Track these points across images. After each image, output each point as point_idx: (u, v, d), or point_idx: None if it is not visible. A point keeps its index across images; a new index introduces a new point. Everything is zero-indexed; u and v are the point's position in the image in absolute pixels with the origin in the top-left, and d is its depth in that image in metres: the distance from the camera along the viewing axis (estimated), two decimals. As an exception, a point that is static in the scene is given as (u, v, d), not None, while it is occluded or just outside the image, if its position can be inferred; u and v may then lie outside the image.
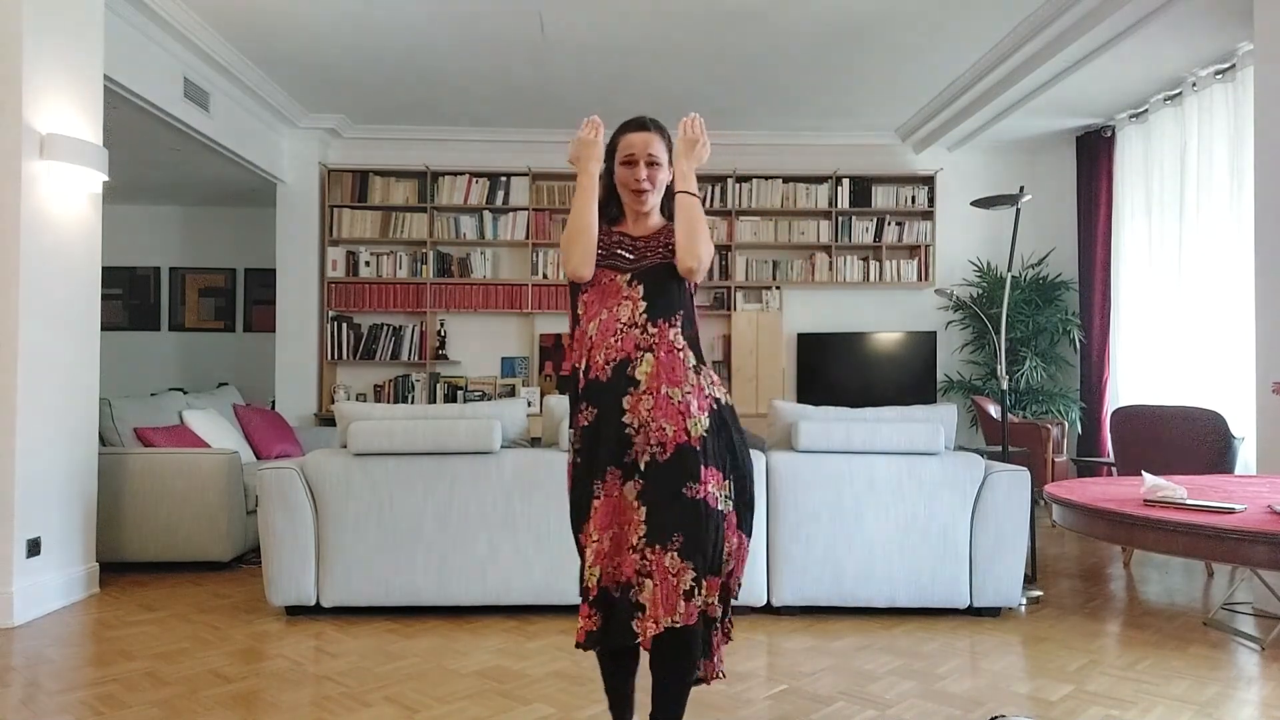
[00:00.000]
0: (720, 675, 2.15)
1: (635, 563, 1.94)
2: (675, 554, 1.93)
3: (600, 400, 2.04)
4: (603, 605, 1.97)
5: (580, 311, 2.14)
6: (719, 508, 2.00)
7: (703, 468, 1.98)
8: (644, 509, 1.97)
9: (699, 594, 1.93)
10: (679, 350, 2.06)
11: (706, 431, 2.02)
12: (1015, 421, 6.04)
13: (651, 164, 2.11)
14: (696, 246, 2.04)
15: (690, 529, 1.95)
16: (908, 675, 2.91)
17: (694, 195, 2.08)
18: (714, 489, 2.00)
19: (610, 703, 2.19)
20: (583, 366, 2.09)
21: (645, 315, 2.06)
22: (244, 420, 5.82)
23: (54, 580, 3.72)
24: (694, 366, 2.07)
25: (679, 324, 2.09)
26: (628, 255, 2.12)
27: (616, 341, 2.05)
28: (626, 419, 2.01)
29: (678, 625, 1.90)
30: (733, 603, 2.15)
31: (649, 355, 2.03)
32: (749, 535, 2.10)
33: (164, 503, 4.35)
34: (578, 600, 2.06)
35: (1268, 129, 3.92)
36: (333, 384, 7.10)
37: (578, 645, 2.00)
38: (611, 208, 2.20)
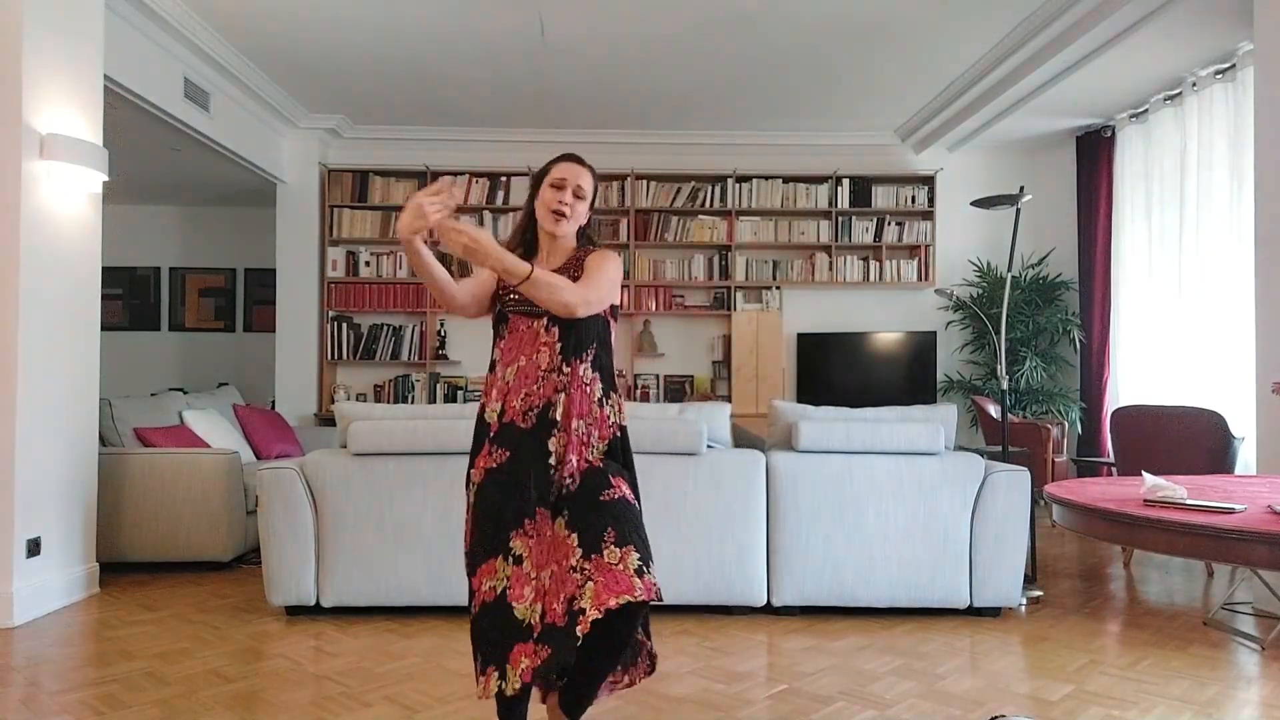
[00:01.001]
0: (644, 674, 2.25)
1: (577, 580, 1.96)
2: (612, 546, 1.97)
3: (518, 445, 2.08)
4: (549, 638, 1.97)
5: (496, 357, 2.18)
6: (638, 506, 2.11)
7: (611, 477, 2.10)
8: (574, 534, 2.02)
9: (649, 571, 1.96)
10: (587, 385, 2.13)
11: (604, 455, 2.13)
12: (1015, 421, 6.03)
13: (577, 195, 2.20)
14: (556, 298, 2.03)
15: (618, 522, 2.01)
16: (908, 675, 2.91)
17: (520, 282, 2.02)
18: (628, 490, 2.11)
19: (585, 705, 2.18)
20: (497, 409, 2.12)
21: (560, 357, 2.11)
22: (244, 420, 5.82)
23: (54, 580, 3.72)
24: (600, 399, 2.14)
25: (590, 357, 2.15)
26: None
27: (538, 389, 2.09)
28: (551, 459, 2.07)
29: (637, 599, 1.90)
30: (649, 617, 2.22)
31: (562, 396, 2.10)
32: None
33: (164, 503, 4.35)
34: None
35: (1268, 129, 3.92)
36: (333, 384, 7.10)
37: (514, 690, 1.95)
38: (527, 236, 2.26)
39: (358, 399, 7.16)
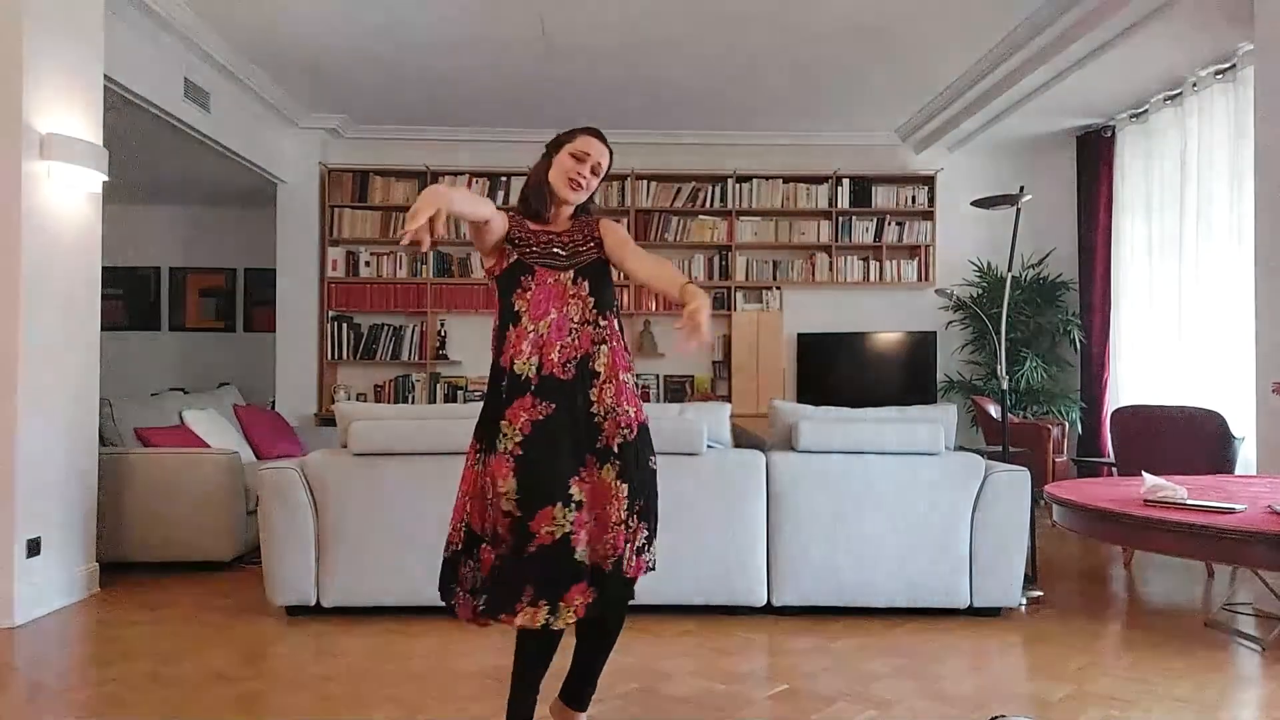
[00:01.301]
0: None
1: (625, 535, 2.09)
2: (636, 516, 2.12)
3: (559, 395, 2.11)
4: (597, 581, 2.07)
5: (521, 309, 2.16)
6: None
7: (650, 440, 2.22)
8: (625, 485, 2.11)
9: (649, 550, 2.14)
10: (620, 337, 2.22)
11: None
12: (1015, 422, 6.03)
13: (594, 171, 2.24)
14: (670, 271, 2.15)
15: (649, 496, 2.16)
16: (908, 675, 2.91)
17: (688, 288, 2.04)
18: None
19: (523, 692, 2.19)
20: (534, 362, 2.12)
21: (595, 310, 2.17)
22: (244, 420, 5.83)
23: (54, 580, 3.72)
24: (626, 353, 2.25)
25: (616, 316, 2.24)
26: (561, 253, 2.21)
27: (573, 340, 2.14)
28: (594, 409, 2.13)
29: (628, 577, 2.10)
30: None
31: (603, 347, 2.16)
32: None
33: (164, 503, 4.34)
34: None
35: (1268, 129, 3.92)
36: (333, 384, 7.10)
37: (566, 623, 2.04)
38: (531, 202, 2.26)
39: (358, 399, 7.16)
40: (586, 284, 2.17)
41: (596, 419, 2.12)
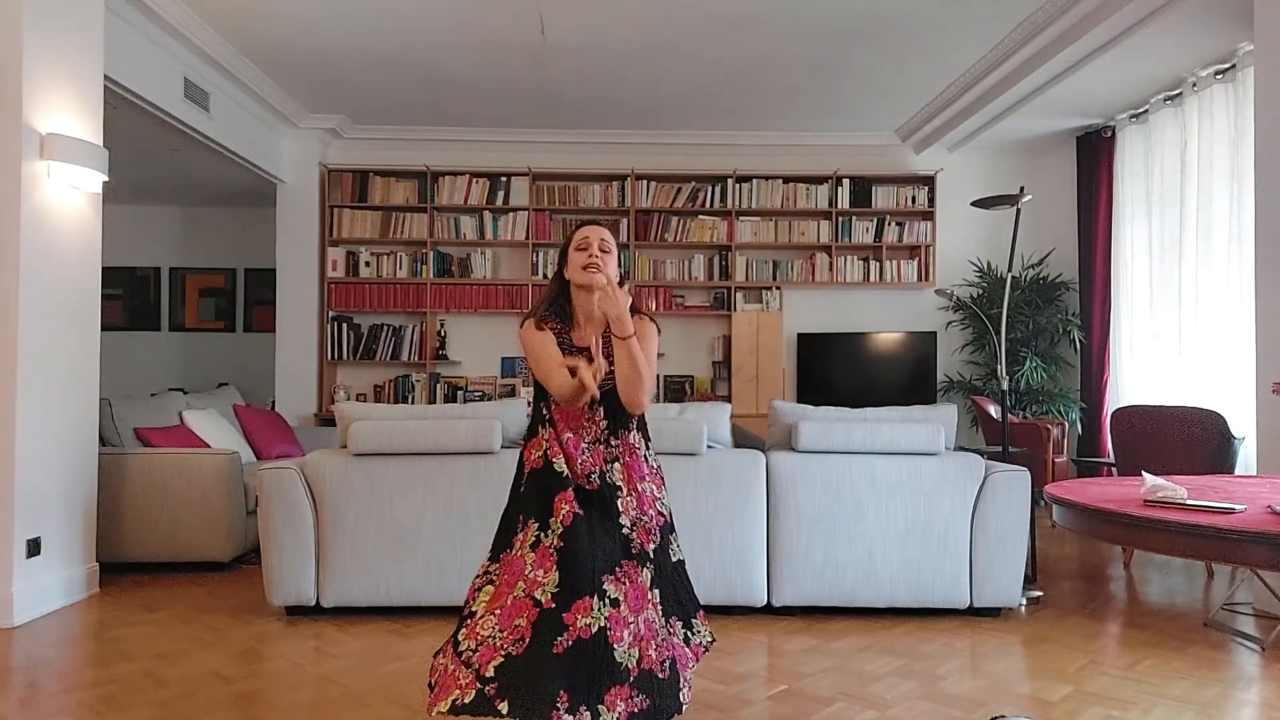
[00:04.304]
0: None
1: (678, 644, 2.17)
2: (700, 627, 2.28)
3: (589, 503, 2.17)
4: (645, 686, 2.03)
5: (555, 418, 2.23)
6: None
7: (674, 536, 2.30)
8: (656, 591, 2.18)
9: (696, 634, 2.27)
10: (637, 448, 2.26)
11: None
12: (1015, 422, 6.03)
13: (603, 249, 2.24)
14: (635, 395, 2.17)
15: (680, 587, 2.27)
16: (908, 676, 2.91)
17: (627, 337, 2.12)
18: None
19: None
20: (565, 467, 2.19)
21: (607, 431, 2.23)
22: (244, 420, 5.82)
23: (54, 580, 3.72)
24: (645, 454, 2.29)
25: (634, 424, 2.27)
26: None
27: (589, 458, 2.21)
28: (622, 520, 2.18)
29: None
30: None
31: (616, 464, 2.23)
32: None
33: (164, 503, 4.35)
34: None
35: (1268, 129, 3.92)
36: (333, 384, 7.10)
37: None
38: (564, 306, 2.30)
39: (358, 399, 7.16)
40: (602, 409, 2.22)
41: (625, 530, 2.18)
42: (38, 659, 3.08)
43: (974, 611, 3.62)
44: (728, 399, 7.02)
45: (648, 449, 2.30)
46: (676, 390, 7.24)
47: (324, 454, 3.57)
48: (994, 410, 6.07)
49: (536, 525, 2.15)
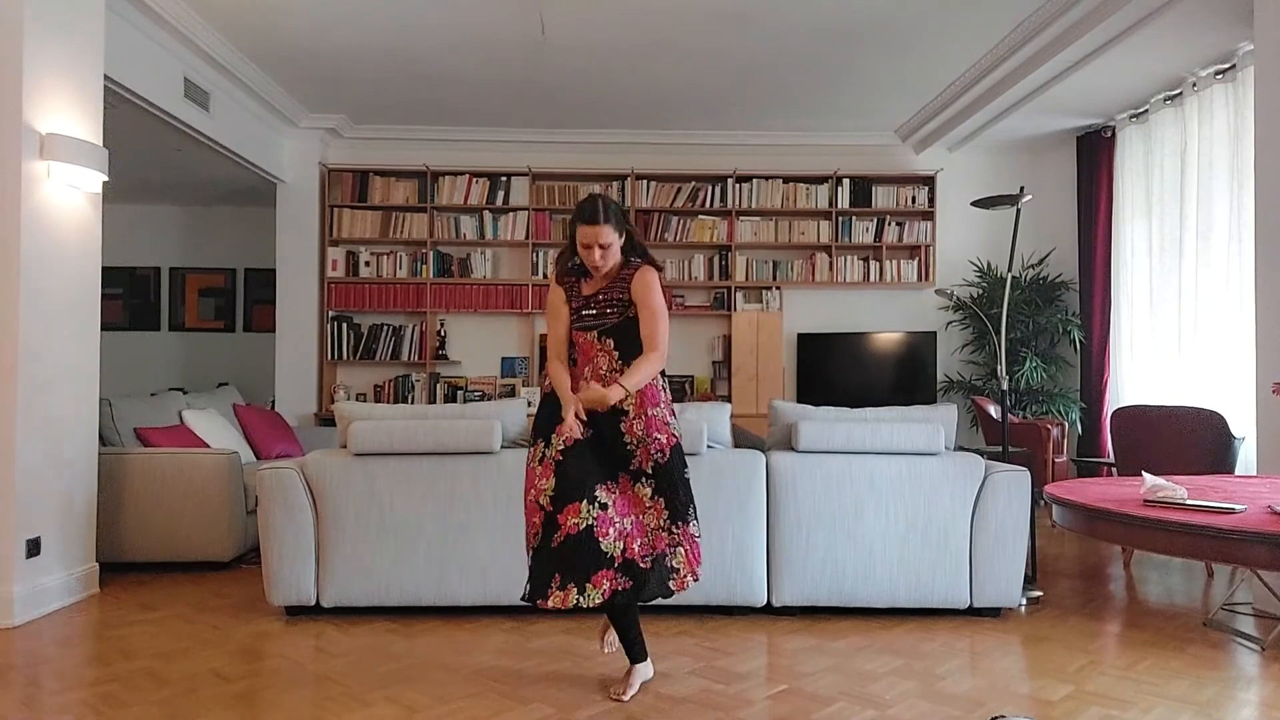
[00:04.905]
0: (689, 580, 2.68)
1: (666, 539, 2.60)
2: (694, 521, 2.66)
3: (596, 424, 2.63)
4: (628, 571, 2.53)
5: (575, 355, 2.76)
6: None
7: (685, 457, 2.72)
8: (661, 499, 2.63)
9: (686, 564, 2.69)
10: (657, 378, 2.70)
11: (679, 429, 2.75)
12: (1015, 422, 6.03)
13: (603, 248, 2.64)
14: (651, 371, 2.65)
15: (681, 495, 2.65)
16: (908, 675, 2.91)
17: (629, 393, 2.59)
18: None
19: (638, 639, 2.72)
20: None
21: (620, 361, 2.67)
22: (244, 420, 5.82)
23: (54, 580, 3.72)
24: (661, 385, 2.73)
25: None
26: (590, 315, 2.70)
27: (604, 384, 2.59)
28: (626, 439, 2.64)
29: (698, 578, 2.67)
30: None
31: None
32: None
33: (164, 503, 4.35)
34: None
35: (1267, 129, 3.92)
36: (333, 384, 7.10)
37: (592, 604, 2.49)
38: (575, 258, 2.74)
39: (358, 399, 7.16)
40: (611, 341, 2.68)
41: (629, 447, 2.63)
42: (38, 658, 3.08)
43: (974, 611, 3.61)
44: (728, 399, 7.02)
45: (664, 380, 2.73)
46: (676, 390, 7.24)
47: (324, 454, 3.57)
48: (994, 410, 6.07)
49: (543, 444, 2.61)
